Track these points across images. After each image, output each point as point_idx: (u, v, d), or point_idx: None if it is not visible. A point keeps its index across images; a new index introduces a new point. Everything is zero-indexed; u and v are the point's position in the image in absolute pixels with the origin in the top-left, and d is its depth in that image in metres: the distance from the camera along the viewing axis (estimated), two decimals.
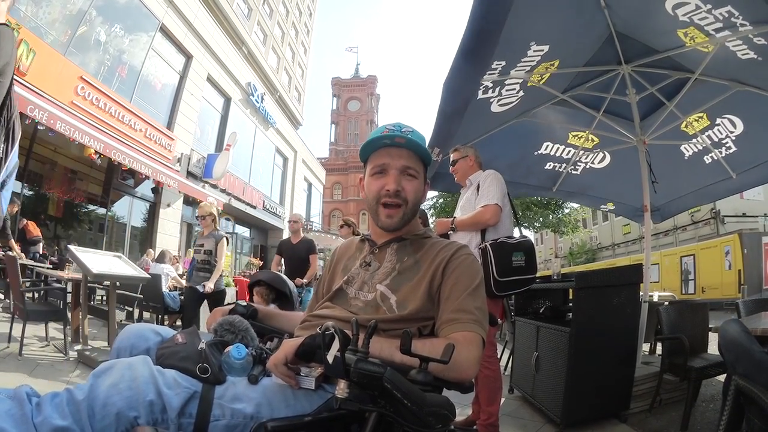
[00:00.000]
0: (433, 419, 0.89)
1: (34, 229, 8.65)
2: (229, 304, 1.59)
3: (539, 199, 18.16)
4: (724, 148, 4.45)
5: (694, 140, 4.54)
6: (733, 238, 13.92)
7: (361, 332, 0.97)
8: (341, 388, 0.92)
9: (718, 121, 4.24)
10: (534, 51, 3.35)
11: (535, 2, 2.99)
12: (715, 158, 4.56)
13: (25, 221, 8.63)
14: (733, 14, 2.79)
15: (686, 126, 4.43)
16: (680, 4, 2.89)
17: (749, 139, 4.22)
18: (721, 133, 4.32)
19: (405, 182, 1.40)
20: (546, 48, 3.37)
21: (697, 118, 4.31)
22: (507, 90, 3.74)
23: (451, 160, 3.42)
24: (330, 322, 1.01)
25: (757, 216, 22.99)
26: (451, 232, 3.11)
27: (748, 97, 3.72)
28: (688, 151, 4.74)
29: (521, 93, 3.86)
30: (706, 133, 4.42)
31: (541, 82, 3.85)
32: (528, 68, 3.54)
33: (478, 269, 1.37)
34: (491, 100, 3.77)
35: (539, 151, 4.96)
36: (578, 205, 24.99)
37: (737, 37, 2.98)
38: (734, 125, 4.19)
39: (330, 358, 0.94)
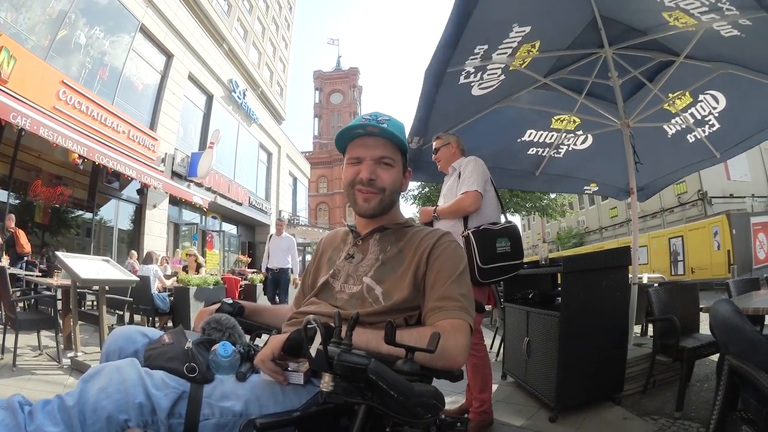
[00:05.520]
0: (421, 409, 0.89)
1: (26, 244, 8.48)
2: (215, 302, 1.58)
3: None
4: (707, 126, 4.46)
5: (677, 118, 4.55)
6: (722, 218, 14.09)
7: (344, 325, 0.96)
8: (326, 382, 0.91)
9: (701, 97, 4.25)
10: (516, 32, 3.32)
11: None
12: (699, 137, 4.59)
13: (15, 228, 8.46)
14: None
15: (669, 105, 4.42)
16: None
17: (732, 114, 4.23)
18: (704, 110, 4.33)
19: (380, 171, 1.40)
20: (527, 29, 3.33)
21: (679, 96, 4.30)
22: (488, 74, 3.70)
23: (434, 147, 3.40)
24: (311, 315, 1.01)
25: (744, 197, 23.29)
26: (434, 220, 3.11)
27: (731, 75, 3.75)
28: (671, 129, 4.74)
29: (502, 77, 3.81)
30: (689, 111, 4.42)
31: (523, 66, 3.81)
32: (509, 51, 3.50)
33: (461, 256, 1.37)
34: (472, 84, 3.71)
35: (522, 138, 4.92)
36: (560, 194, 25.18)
37: (721, 17, 2.99)
38: (717, 101, 4.19)
39: (313, 351, 0.93)
